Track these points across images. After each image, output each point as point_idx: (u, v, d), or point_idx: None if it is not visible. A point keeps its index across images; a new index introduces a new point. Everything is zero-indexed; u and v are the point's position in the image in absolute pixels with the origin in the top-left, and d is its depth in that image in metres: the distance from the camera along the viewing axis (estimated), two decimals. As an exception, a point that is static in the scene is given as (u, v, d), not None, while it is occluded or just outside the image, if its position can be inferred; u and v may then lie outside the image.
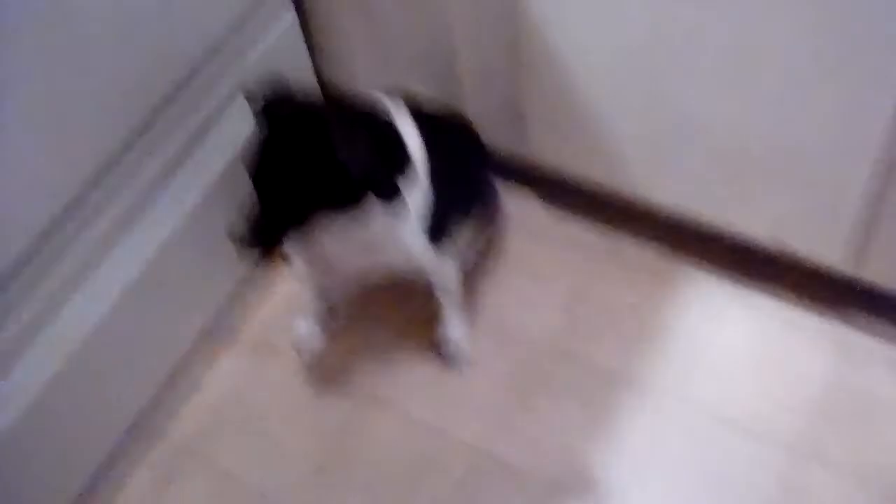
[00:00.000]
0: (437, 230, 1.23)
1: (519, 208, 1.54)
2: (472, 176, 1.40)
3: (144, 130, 1.22)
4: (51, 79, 1.06)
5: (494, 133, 1.42)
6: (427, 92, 1.36)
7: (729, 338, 1.37)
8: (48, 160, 1.10)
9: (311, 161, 1.03)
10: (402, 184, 1.10)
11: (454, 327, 1.40)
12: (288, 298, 1.49)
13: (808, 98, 1.10)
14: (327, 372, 1.42)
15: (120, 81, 1.15)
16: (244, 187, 1.05)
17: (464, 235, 1.36)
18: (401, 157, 1.12)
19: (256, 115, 1.07)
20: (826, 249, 1.26)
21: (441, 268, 1.31)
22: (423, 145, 1.16)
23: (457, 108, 1.39)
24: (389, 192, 1.08)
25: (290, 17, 1.40)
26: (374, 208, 1.08)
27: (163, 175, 1.26)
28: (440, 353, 1.40)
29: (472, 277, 1.45)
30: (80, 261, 1.18)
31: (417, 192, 1.16)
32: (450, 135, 1.33)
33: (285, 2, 1.38)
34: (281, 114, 1.07)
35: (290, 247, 1.23)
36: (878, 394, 1.30)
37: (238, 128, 1.30)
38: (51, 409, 1.16)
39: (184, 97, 1.26)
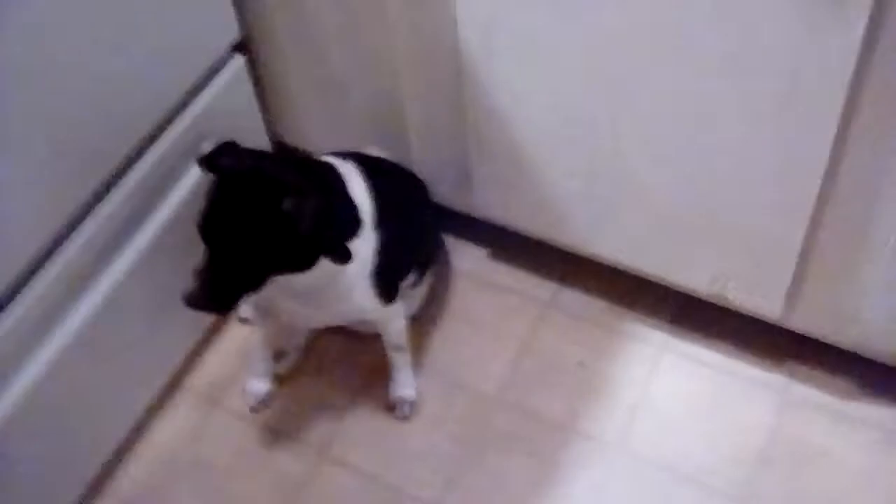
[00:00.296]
0: (386, 283, 1.25)
1: (466, 261, 1.57)
2: (420, 229, 1.42)
3: (96, 197, 1.23)
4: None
5: (442, 188, 1.45)
6: (377, 149, 1.40)
7: (672, 388, 1.40)
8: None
9: (261, 221, 1.04)
10: (351, 241, 1.12)
11: (404, 380, 1.41)
12: (239, 351, 1.49)
13: (742, 159, 1.14)
14: (280, 426, 1.42)
15: (70, 148, 1.16)
16: (196, 245, 1.07)
17: (412, 288, 1.38)
18: (351, 214, 1.14)
19: (207, 174, 1.09)
20: (763, 301, 1.30)
21: (390, 320, 1.33)
22: (371, 199, 1.19)
23: (406, 164, 1.42)
24: (340, 253, 1.09)
25: (246, 81, 1.44)
26: (325, 264, 1.10)
27: (115, 235, 1.27)
28: (391, 407, 1.42)
29: (420, 330, 1.47)
30: (33, 318, 1.18)
31: (366, 245, 1.18)
32: (398, 189, 1.36)
33: (240, 65, 1.41)
34: (231, 174, 1.07)
35: (241, 305, 1.25)
36: (818, 442, 1.33)
37: (190, 190, 1.34)
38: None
39: (136, 161, 1.27)
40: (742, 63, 1.04)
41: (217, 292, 1.07)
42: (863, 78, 0.99)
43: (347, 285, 1.19)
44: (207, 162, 1.09)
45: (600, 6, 1.08)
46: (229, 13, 1.35)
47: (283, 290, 1.16)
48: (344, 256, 1.09)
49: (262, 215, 1.04)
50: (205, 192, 1.08)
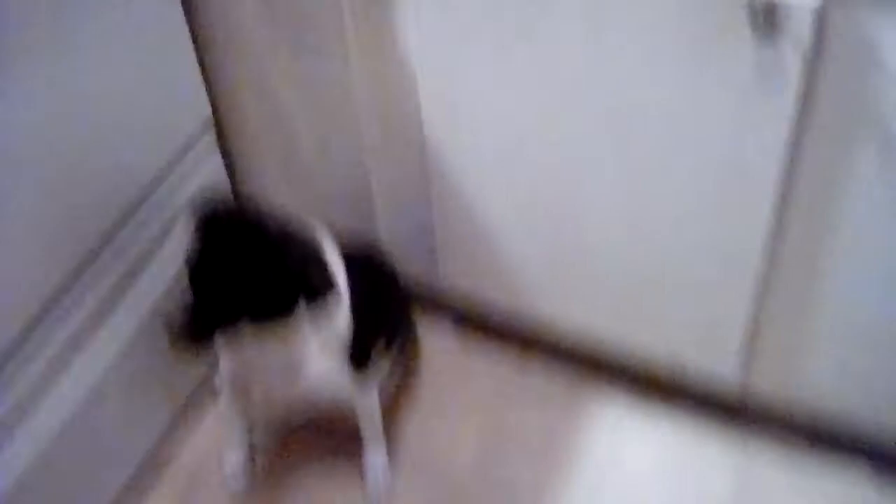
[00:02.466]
0: (358, 357, 1.27)
1: (433, 337, 1.60)
2: (388, 307, 1.45)
3: (77, 271, 1.25)
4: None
5: (407, 262, 1.49)
6: (342, 223, 1.43)
7: (635, 457, 1.42)
8: None
9: (243, 263, 1.08)
10: (326, 301, 1.14)
11: (376, 459, 1.42)
12: (216, 433, 1.50)
13: (691, 224, 1.20)
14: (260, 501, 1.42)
15: (46, 229, 1.19)
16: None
17: (382, 365, 1.40)
18: (326, 274, 1.17)
19: (195, 223, 1.12)
20: (718, 364, 1.34)
21: (361, 395, 1.35)
22: (343, 272, 1.22)
23: (370, 239, 1.46)
24: (317, 298, 1.12)
25: (216, 159, 1.48)
26: (301, 321, 1.13)
27: (93, 312, 1.29)
28: (364, 486, 1.42)
29: (390, 407, 1.49)
30: (14, 398, 1.19)
31: (339, 315, 1.20)
32: (367, 265, 1.39)
33: (210, 141, 1.46)
34: (218, 220, 1.12)
35: (219, 353, 1.26)
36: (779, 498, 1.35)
37: (167, 264, 1.37)
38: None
39: (111, 238, 1.30)
40: (687, 140, 1.11)
41: (195, 322, 1.08)
42: (797, 155, 1.06)
43: (323, 352, 1.21)
44: (196, 211, 1.13)
45: (557, 88, 1.15)
46: (200, 93, 1.41)
47: (259, 362, 1.19)
48: (318, 298, 1.12)
49: (243, 255, 1.08)
50: (192, 241, 1.11)
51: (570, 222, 1.29)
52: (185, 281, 1.09)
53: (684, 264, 1.24)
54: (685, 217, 1.19)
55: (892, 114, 0.99)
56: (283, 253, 1.09)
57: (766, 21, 0.96)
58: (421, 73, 1.23)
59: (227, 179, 1.51)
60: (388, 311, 1.44)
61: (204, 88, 1.42)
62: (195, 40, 1.37)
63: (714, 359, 1.34)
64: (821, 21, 0.95)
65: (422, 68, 1.22)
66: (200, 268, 1.09)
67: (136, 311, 1.34)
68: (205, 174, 1.44)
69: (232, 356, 1.25)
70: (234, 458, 1.43)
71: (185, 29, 1.34)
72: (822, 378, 1.28)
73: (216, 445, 1.48)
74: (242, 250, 1.08)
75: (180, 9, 1.32)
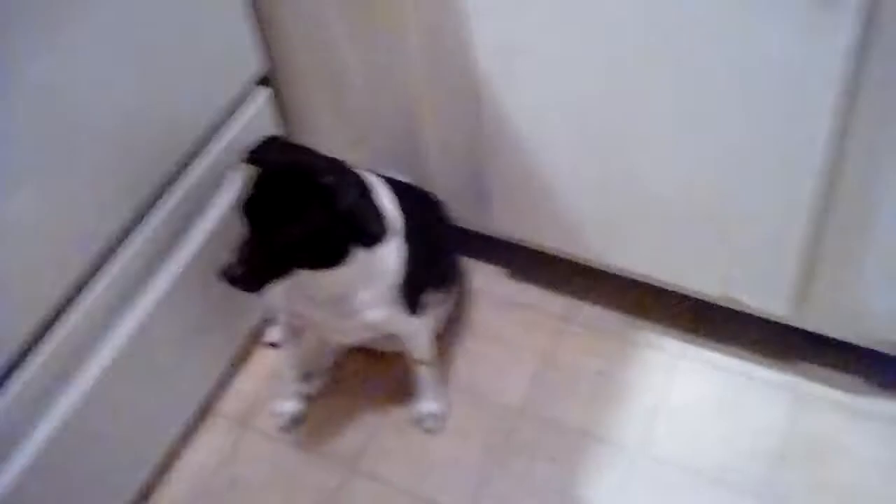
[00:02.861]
0: (412, 294, 1.30)
1: (486, 280, 1.62)
2: (441, 246, 1.48)
3: (126, 229, 1.28)
4: (46, 172, 1.13)
5: (459, 205, 1.51)
6: (395, 171, 1.46)
7: (689, 392, 1.45)
8: (44, 251, 1.15)
9: (302, 196, 1.09)
10: (380, 242, 1.16)
11: (430, 395, 1.46)
12: (268, 374, 1.55)
13: (743, 159, 1.21)
14: (310, 443, 1.46)
15: (101, 180, 1.21)
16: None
17: (436, 305, 1.43)
18: (379, 215, 1.18)
19: (249, 166, 1.14)
20: (771, 300, 1.36)
21: (416, 334, 1.38)
22: (399, 211, 1.24)
23: (424, 185, 1.48)
24: (372, 235, 1.14)
25: (270, 112, 1.50)
26: (355, 261, 1.16)
27: (147, 263, 1.32)
28: (418, 421, 1.46)
29: (443, 345, 1.52)
30: (69, 348, 1.22)
31: (394, 255, 1.23)
32: (421, 206, 1.41)
33: (265, 97, 1.47)
34: (274, 164, 1.14)
35: (273, 296, 1.29)
36: (834, 438, 1.37)
37: (218, 219, 1.39)
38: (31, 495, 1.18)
39: (166, 191, 1.33)
40: (741, 67, 1.11)
41: (254, 270, 1.10)
42: (858, 77, 1.06)
43: (376, 295, 1.24)
44: (252, 156, 1.15)
45: (612, 26, 1.15)
46: (253, 48, 1.43)
47: (315, 297, 1.22)
48: (376, 238, 1.13)
49: (303, 191, 1.09)
50: (248, 179, 1.13)
51: (624, 161, 1.30)
52: (240, 224, 1.11)
53: (738, 199, 1.25)
54: (740, 150, 1.20)
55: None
56: (336, 194, 1.10)
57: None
58: (476, 16, 1.24)
59: (282, 128, 1.53)
60: (440, 251, 1.47)
61: (258, 42, 1.43)
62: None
63: (768, 295, 1.35)
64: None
65: (477, 12, 1.23)
66: (254, 210, 1.11)
67: (190, 257, 1.37)
68: (259, 123, 1.46)
69: (287, 298, 1.28)
70: (287, 400, 1.48)
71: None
72: (875, 314, 1.29)
73: (269, 388, 1.52)
74: (296, 192, 1.10)
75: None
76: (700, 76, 1.15)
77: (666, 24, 1.12)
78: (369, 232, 1.13)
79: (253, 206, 1.11)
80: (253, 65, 1.44)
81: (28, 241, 1.12)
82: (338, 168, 1.15)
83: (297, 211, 1.09)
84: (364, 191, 1.16)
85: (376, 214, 1.16)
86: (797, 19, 1.03)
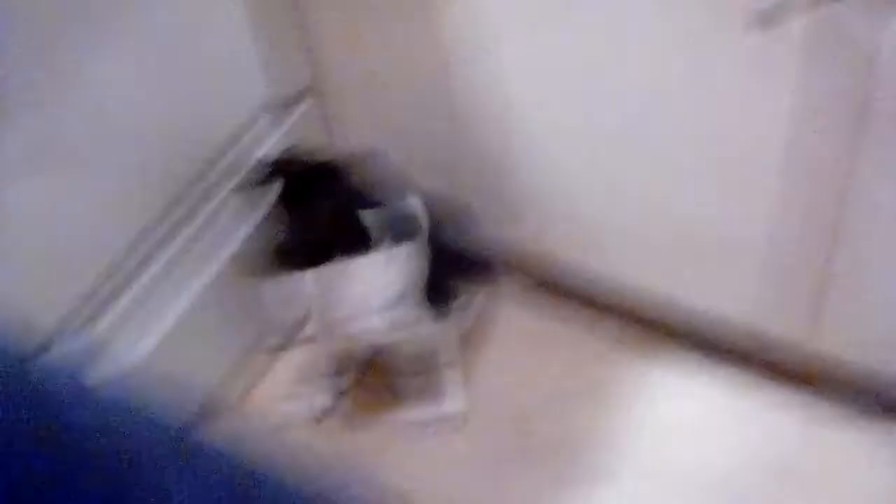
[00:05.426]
0: (438, 296, 1.38)
1: (511, 290, 1.67)
2: (463, 251, 1.53)
3: (164, 216, 1.35)
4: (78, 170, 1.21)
5: (487, 216, 1.55)
6: (427, 180, 1.49)
7: (701, 407, 1.49)
8: (76, 241, 1.23)
9: (328, 205, 1.20)
10: (407, 242, 1.25)
11: (453, 395, 1.52)
12: (293, 367, 1.62)
13: (757, 187, 1.25)
14: (336, 437, 1.54)
15: (143, 169, 1.30)
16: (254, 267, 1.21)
17: (459, 303, 1.50)
18: (409, 217, 1.28)
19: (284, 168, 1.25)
20: (785, 322, 1.39)
21: (441, 335, 1.45)
22: (425, 213, 1.32)
23: (457, 196, 1.53)
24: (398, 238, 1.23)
25: (314, 123, 1.58)
26: (382, 259, 1.25)
27: (180, 253, 1.39)
28: (438, 420, 1.52)
29: (464, 348, 1.58)
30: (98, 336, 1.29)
31: (421, 255, 1.31)
32: (446, 214, 1.47)
33: (308, 108, 1.56)
34: (304, 166, 1.25)
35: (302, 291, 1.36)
36: (842, 459, 1.40)
37: (252, 208, 1.42)
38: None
39: (205, 179, 1.41)
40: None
41: (302, 247, 1.20)
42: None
43: (403, 293, 1.32)
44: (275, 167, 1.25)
45: (600, 62, 1.23)
46: (298, 61, 1.51)
47: (343, 296, 1.31)
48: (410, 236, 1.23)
49: (331, 180, 1.21)
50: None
51: (640, 186, 1.36)
52: (272, 221, 1.21)
53: (749, 226, 1.30)
54: (752, 179, 1.25)
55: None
56: (364, 195, 1.21)
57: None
58: (490, 48, 1.32)
59: (325, 136, 1.61)
60: (467, 256, 1.53)
61: (302, 55, 1.51)
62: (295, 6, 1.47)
63: (781, 318, 1.38)
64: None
65: (491, 45, 1.31)
66: (287, 208, 1.21)
67: (220, 251, 1.45)
68: (303, 132, 1.55)
69: (315, 293, 1.35)
70: (318, 394, 1.55)
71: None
72: (886, 340, 1.31)
73: (294, 380, 1.60)
74: (328, 193, 1.20)
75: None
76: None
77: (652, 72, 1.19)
78: (397, 227, 1.23)
79: (289, 197, 1.21)
80: (299, 78, 1.52)
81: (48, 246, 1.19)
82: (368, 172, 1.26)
83: (328, 194, 1.20)
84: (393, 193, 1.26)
85: (404, 212, 1.25)
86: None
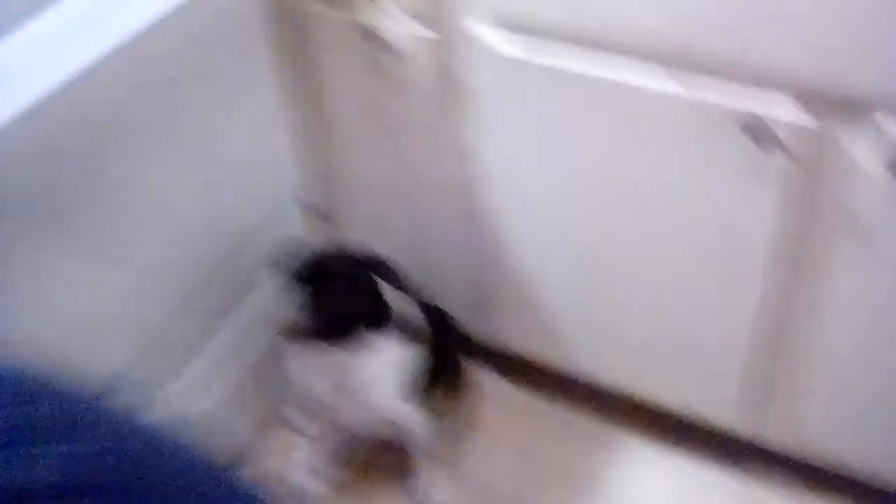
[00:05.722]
0: (423, 389, 1.48)
1: (480, 378, 1.79)
2: (447, 346, 1.65)
3: (203, 293, 1.47)
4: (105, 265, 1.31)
5: (459, 310, 1.68)
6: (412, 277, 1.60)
7: (652, 494, 1.61)
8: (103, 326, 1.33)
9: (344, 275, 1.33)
10: (389, 333, 1.36)
11: (432, 485, 1.61)
12: (288, 453, 1.69)
13: (690, 286, 1.40)
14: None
15: (186, 249, 1.42)
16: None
17: (441, 397, 1.60)
18: (388, 310, 1.38)
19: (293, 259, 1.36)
20: (721, 411, 1.53)
21: (420, 426, 1.54)
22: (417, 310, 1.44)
23: (431, 289, 1.64)
24: (378, 324, 1.35)
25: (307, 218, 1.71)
26: (372, 349, 1.35)
27: (216, 325, 1.51)
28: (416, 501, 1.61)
29: (448, 441, 1.68)
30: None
31: (403, 346, 1.42)
32: (426, 309, 1.59)
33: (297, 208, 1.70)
34: (314, 259, 1.36)
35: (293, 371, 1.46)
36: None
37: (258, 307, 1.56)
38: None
39: (220, 278, 1.52)
40: (689, 218, 1.32)
41: (312, 325, 1.31)
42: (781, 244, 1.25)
43: (388, 383, 1.43)
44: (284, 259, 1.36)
45: (585, 174, 1.37)
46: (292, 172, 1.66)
47: (341, 385, 1.41)
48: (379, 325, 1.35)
49: (345, 267, 1.35)
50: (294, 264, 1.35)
51: (598, 290, 1.50)
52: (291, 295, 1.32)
53: (686, 323, 1.45)
54: (686, 283, 1.40)
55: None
56: (362, 284, 1.33)
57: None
58: (482, 163, 1.45)
59: (322, 231, 1.73)
60: (447, 350, 1.65)
61: (299, 168, 1.66)
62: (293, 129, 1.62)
63: (716, 406, 1.53)
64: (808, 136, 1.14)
65: (484, 160, 1.45)
66: (305, 280, 1.33)
67: (254, 326, 1.57)
68: (295, 229, 1.68)
69: (304, 374, 1.45)
70: (305, 475, 1.62)
71: (284, 116, 1.60)
72: (816, 424, 1.44)
73: (287, 465, 1.67)
74: (328, 281, 1.32)
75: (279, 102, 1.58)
76: (657, 225, 1.35)
77: (631, 181, 1.34)
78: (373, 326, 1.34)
79: (304, 278, 1.33)
80: (293, 186, 1.67)
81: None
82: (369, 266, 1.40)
83: (342, 280, 1.33)
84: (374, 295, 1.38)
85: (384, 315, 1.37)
86: (732, 188, 1.23)
